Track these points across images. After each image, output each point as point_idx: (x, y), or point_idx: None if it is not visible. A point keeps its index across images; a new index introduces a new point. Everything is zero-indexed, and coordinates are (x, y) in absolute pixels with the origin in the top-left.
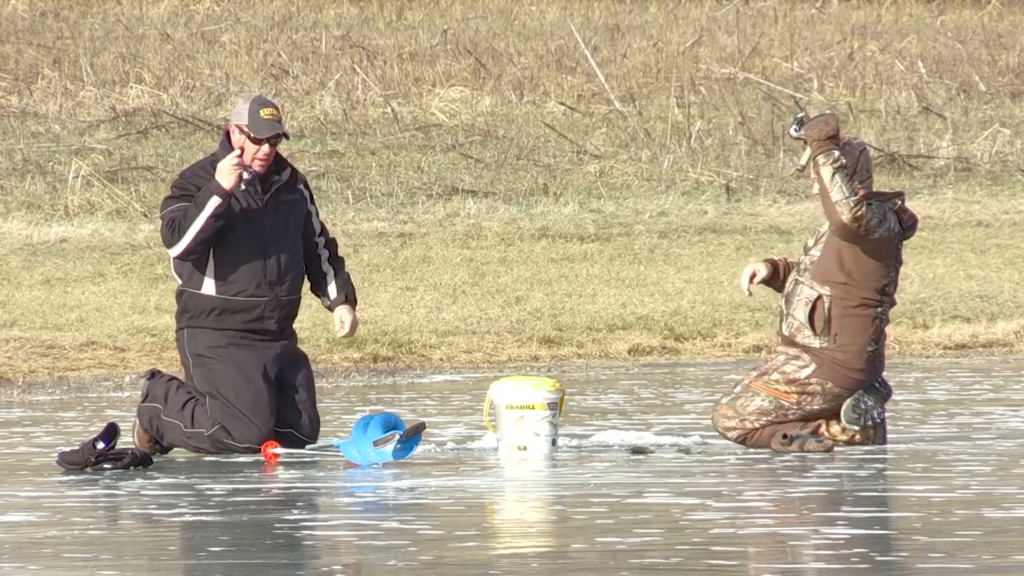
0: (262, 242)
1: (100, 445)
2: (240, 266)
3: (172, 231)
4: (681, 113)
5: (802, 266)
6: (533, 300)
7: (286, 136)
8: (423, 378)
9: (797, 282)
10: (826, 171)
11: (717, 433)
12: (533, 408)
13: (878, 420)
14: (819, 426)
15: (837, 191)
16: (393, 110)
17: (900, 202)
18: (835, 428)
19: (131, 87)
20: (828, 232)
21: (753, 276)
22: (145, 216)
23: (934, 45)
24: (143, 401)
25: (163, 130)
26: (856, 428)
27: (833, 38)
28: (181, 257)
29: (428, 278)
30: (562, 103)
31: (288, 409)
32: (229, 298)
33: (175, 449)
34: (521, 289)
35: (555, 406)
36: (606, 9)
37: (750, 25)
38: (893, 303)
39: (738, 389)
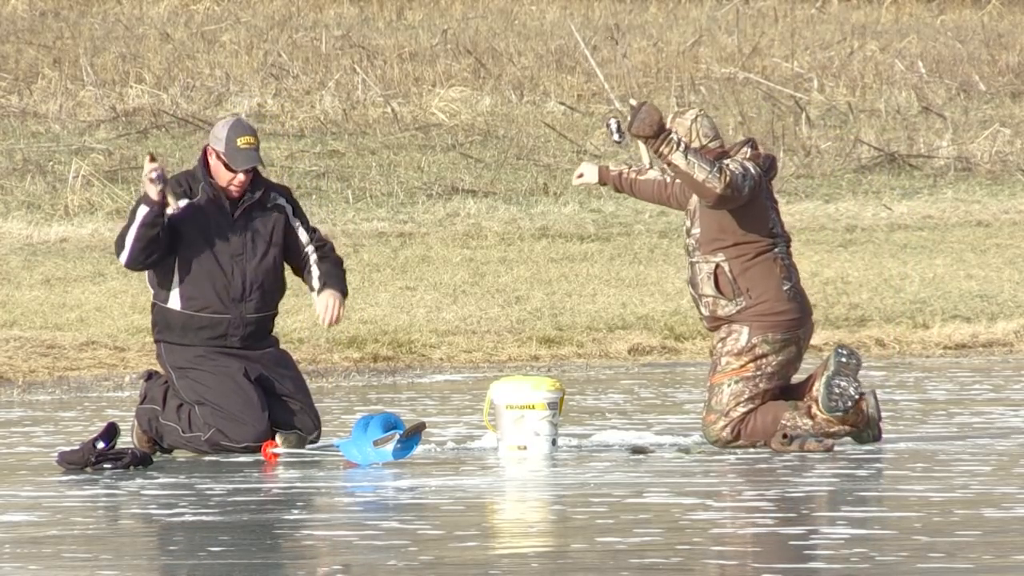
0: (227, 259)
1: (100, 445)
2: (204, 283)
3: (117, 241)
4: None
5: (690, 248)
6: (533, 300)
7: (261, 165)
8: (423, 378)
9: (692, 264)
10: (677, 157)
11: (716, 445)
12: (533, 408)
13: (855, 396)
14: (810, 407)
15: (698, 170)
16: (393, 110)
17: (750, 150)
18: (828, 416)
19: (131, 87)
20: (700, 206)
21: (580, 176)
22: None
23: (934, 45)
24: (141, 403)
25: (163, 130)
26: (839, 414)
27: (833, 38)
28: (127, 265)
29: (428, 278)
30: (562, 103)
31: (284, 410)
32: (193, 314)
33: (146, 449)
34: (521, 289)
35: (555, 406)
36: (606, 9)
37: (750, 25)
38: (788, 239)
39: (707, 394)
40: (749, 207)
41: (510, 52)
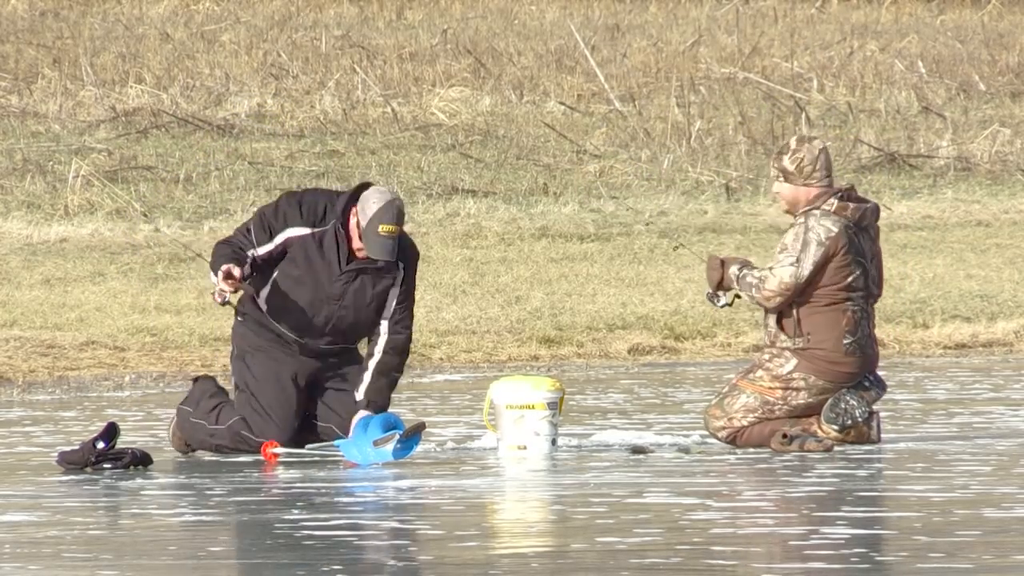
0: (320, 300)
1: (100, 445)
2: (290, 306)
3: (212, 258)
4: (681, 113)
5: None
6: (533, 300)
7: (394, 258)
8: (423, 378)
9: None
10: (744, 286)
11: (709, 433)
12: (533, 408)
13: (859, 420)
14: (811, 425)
15: (755, 291)
16: (393, 110)
17: (837, 201)
18: (826, 427)
19: (131, 87)
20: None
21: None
22: (145, 216)
23: (934, 45)
24: (182, 403)
25: (163, 130)
26: (835, 428)
27: (833, 38)
28: None
29: (428, 278)
30: (562, 103)
31: (328, 410)
32: (270, 321)
33: (177, 449)
34: (521, 289)
35: (555, 406)
36: (606, 9)
37: (750, 25)
38: (872, 295)
39: (726, 388)
40: (825, 266)
41: (510, 52)
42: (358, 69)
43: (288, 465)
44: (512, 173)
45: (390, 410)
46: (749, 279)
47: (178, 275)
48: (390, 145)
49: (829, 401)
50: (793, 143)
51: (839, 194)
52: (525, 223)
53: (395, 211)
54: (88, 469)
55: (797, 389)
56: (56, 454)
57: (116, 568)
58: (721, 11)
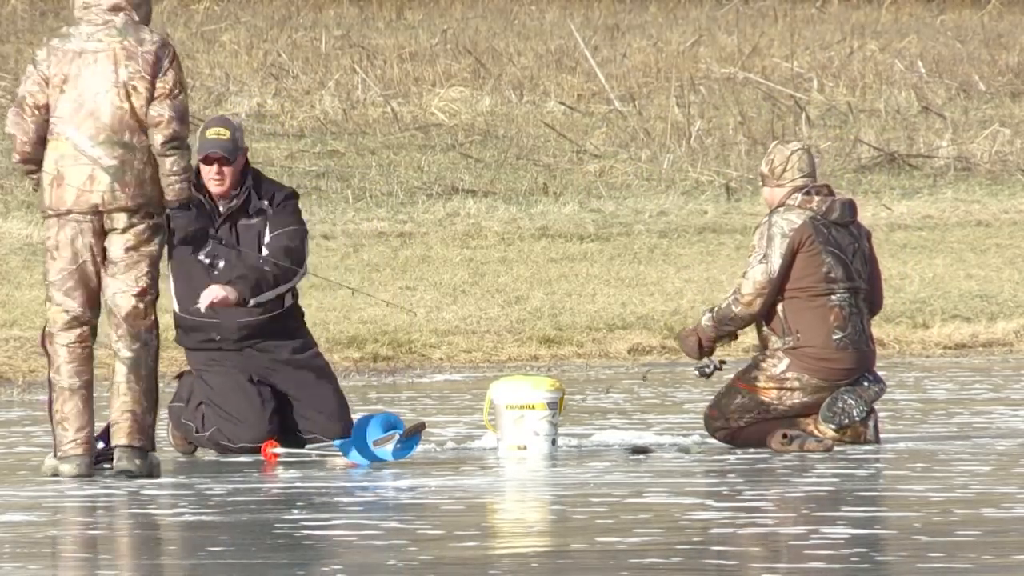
0: (212, 264)
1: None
2: (190, 288)
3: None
4: (681, 113)
5: None
6: (533, 300)
7: (228, 154)
8: (423, 378)
9: None
10: (721, 319)
11: (708, 433)
12: (533, 408)
13: (856, 419)
14: (808, 425)
15: (730, 324)
16: (393, 110)
17: (801, 195)
18: (823, 427)
19: None
20: None
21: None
22: None
23: (934, 45)
24: (172, 401)
25: None
26: (832, 427)
27: (833, 38)
28: None
29: (428, 278)
30: (562, 103)
31: (300, 418)
32: (185, 316)
33: (180, 449)
34: (521, 289)
35: (555, 406)
36: (606, 9)
37: (750, 25)
38: (859, 288)
39: (723, 389)
40: (796, 260)
41: (510, 52)
42: (358, 69)
43: (288, 465)
44: (512, 173)
45: (390, 410)
46: (723, 306)
47: None
48: (390, 145)
49: (827, 400)
50: (771, 147)
51: (804, 190)
52: (525, 223)
53: (221, 119)
54: None
55: (792, 389)
56: None
57: (116, 568)
58: (721, 11)
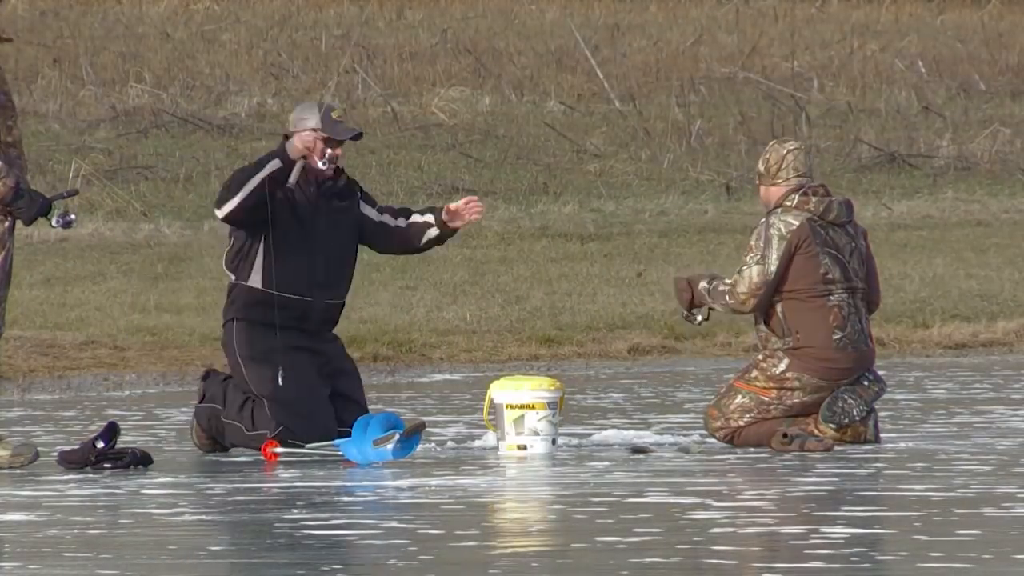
0: (311, 244)
1: (100, 444)
2: (288, 265)
3: (228, 185)
4: (681, 112)
5: None
6: (533, 299)
7: (360, 135)
8: (423, 377)
9: None
10: (717, 296)
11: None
12: (533, 407)
13: (856, 419)
14: (808, 425)
15: (724, 305)
16: (393, 110)
17: (798, 196)
18: (823, 427)
19: (131, 86)
20: None
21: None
22: (145, 215)
23: (934, 44)
24: (200, 402)
25: (163, 129)
26: (832, 427)
27: (833, 37)
28: (229, 213)
29: (428, 277)
30: (562, 103)
31: (343, 410)
32: (274, 293)
33: (203, 448)
34: (521, 288)
35: (555, 405)
36: (606, 9)
37: (750, 24)
38: (856, 288)
39: (723, 389)
40: (794, 261)
41: (510, 52)
42: (358, 69)
43: (288, 465)
44: (512, 173)
45: (390, 410)
46: (720, 288)
47: (178, 275)
48: (390, 145)
49: (827, 400)
50: (768, 145)
51: (801, 190)
52: (525, 223)
53: (329, 103)
54: (88, 469)
55: (791, 389)
56: (56, 454)
57: (116, 568)
58: (721, 11)
